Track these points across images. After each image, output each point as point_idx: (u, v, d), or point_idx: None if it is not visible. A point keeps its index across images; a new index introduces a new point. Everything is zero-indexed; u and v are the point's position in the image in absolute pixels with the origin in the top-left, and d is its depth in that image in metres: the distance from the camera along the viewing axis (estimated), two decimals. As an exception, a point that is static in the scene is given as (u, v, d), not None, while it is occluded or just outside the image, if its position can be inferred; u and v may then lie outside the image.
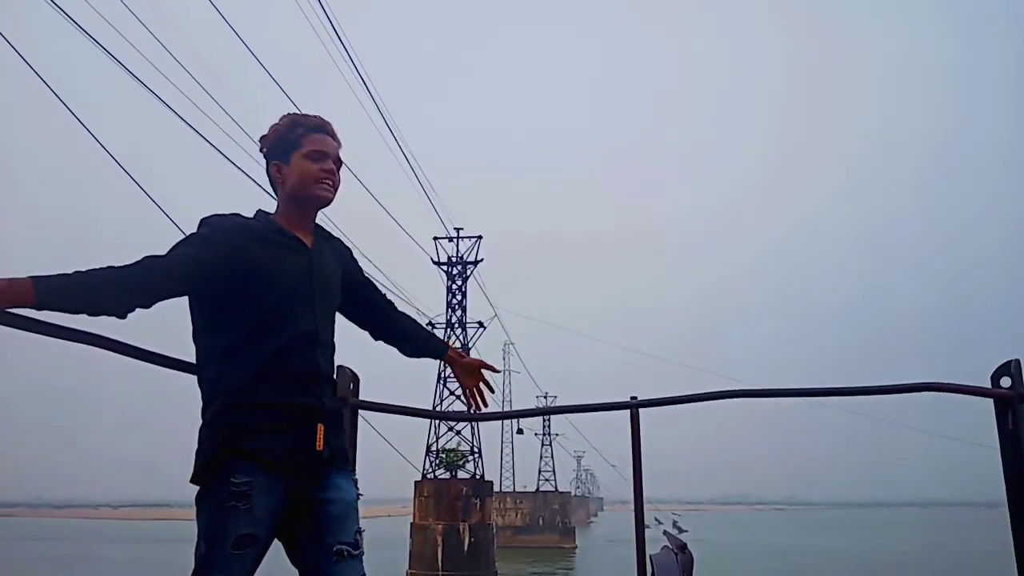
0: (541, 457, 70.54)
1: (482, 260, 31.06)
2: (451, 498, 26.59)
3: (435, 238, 30.81)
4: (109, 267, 1.61)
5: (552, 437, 71.36)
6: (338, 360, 2.07)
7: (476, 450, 29.59)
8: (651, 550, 2.41)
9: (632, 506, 2.48)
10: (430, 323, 30.82)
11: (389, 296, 2.27)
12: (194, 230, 1.85)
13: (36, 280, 1.46)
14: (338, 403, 1.99)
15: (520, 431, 67.72)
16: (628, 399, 2.52)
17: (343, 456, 1.92)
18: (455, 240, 30.92)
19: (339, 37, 13.54)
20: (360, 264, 2.18)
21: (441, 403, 30.14)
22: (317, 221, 2.01)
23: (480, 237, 31.03)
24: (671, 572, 2.25)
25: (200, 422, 1.81)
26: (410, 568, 26.49)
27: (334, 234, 2.10)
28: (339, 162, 1.99)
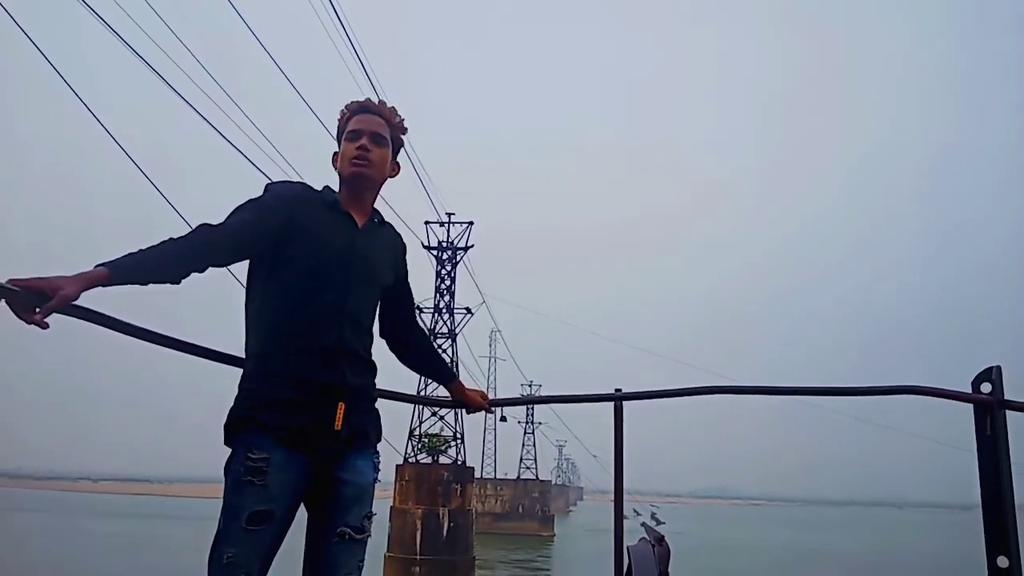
0: (523, 445, 70.86)
1: (473, 246, 31.00)
2: (432, 483, 26.65)
3: (426, 222, 30.70)
4: (168, 239, 1.72)
5: (535, 426, 71.65)
6: None
7: (459, 436, 29.66)
8: (629, 541, 2.43)
9: (612, 496, 2.49)
10: (418, 307, 30.62)
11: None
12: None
13: (107, 264, 1.61)
14: (368, 381, 1.98)
15: (503, 418, 67.80)
16: (612, 391, 2.53)
17: (364, 436, 1.93)
18: (446, 225, 30.84)
19: (335, 9, 13.40)
20: (406, 263, 2.20)
21: (425, 388, 30.17)
22: (376, 207, 2.07)
23: (471, 223, 30.96)
24: (648, 564, 2.27)
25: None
26: (388, 551, 26.56)
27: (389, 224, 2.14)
28: (377, 136, 2.03)
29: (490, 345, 57.93)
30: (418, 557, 25.76)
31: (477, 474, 35.21)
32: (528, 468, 68.88)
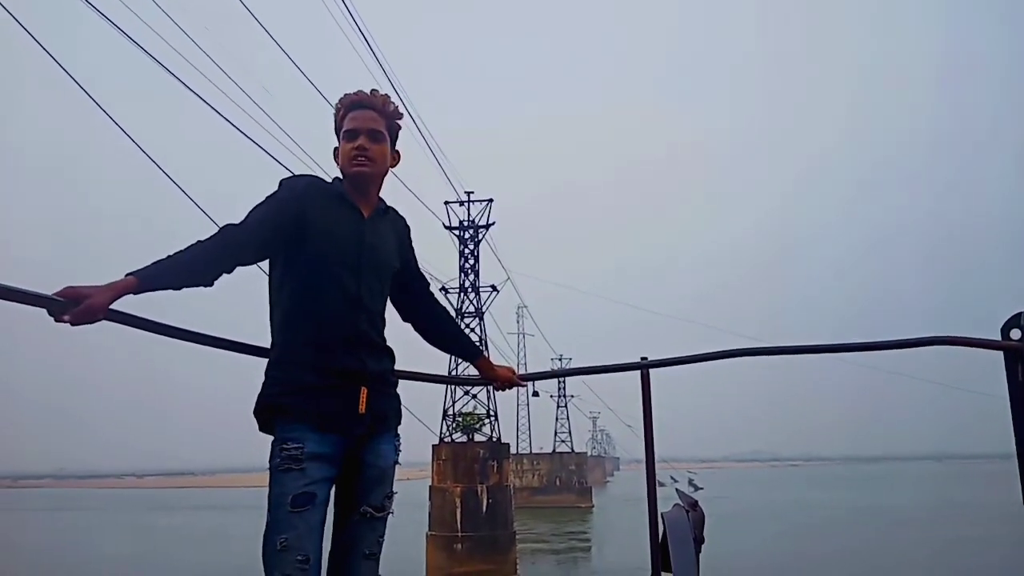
0: (557, 419, 71.17)
1: (494, 223, 30.97)
2: (468, 461, 26.92)
3: (446, 202, 30.70)
4: (196, 242, 1.81)
5: (567, 399, 71.89)
6: None
7: (492, 413, 29.86)
8: (666, 508, 2.45)
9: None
10: (443, 288, 30.88)
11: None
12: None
13: (136, 272, 1.70)
14: (386, 367, 2.06)
15: (536, 393, 68.15)
16: (639, 360, 2.54)
17: (384, 420, 2.01)
18: (466, 204, 30.80)
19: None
20: (412, 243, 2.24)
21: (456, 368, 30.35)
22: (381, 195, 2.13)
23: (491, 200, 30.89)
24: (683, 530, 2.30)
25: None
26: (430, 530, 26.94)
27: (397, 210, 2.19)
28: (373, 133, 2.05)
29: (518, 321, 58.11)
30: (459, 534, 26.10)
31: (512, 450, 35.44)
32: (563, 441, 69.28)
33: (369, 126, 2.05)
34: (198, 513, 63.63)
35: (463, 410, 29.85)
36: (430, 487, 27.55)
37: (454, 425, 29.44)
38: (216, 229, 1.87)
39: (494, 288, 31.71)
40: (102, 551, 35.29)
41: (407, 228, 2.22)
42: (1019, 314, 2.15)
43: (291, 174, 2.10)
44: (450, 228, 30.83)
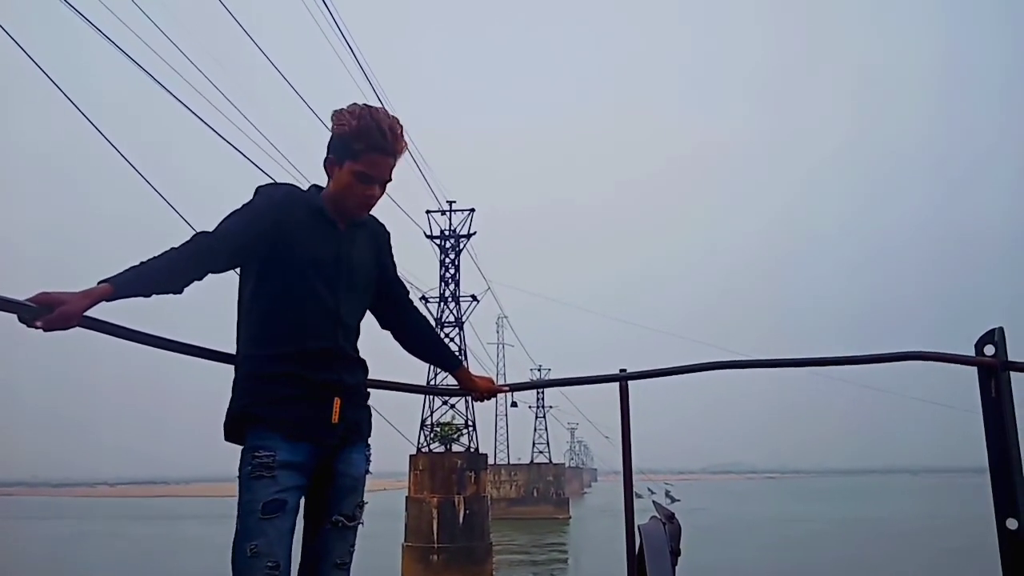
0: (535, 429, 71.10)
1: (475, 233, 31.00)
2: (446, 471, 26.79)
3: (428, 211, 30.67)
4: (169, 249, 1.80)
5: (546, 410, 71.86)
6: None
7: (470, 423, 29.78)
8: (644, 520, 2.45)
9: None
10: (423, 297, 30.79)
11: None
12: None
13: (110, 280, 1.70)
14: (360, 379, 2.07)
15: (514, 404, 67.94)
16: (618, 371, 2.55)
17: (358, 430, 2.03)
18: (448, 213, 30.81)
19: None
20: (392, 250, 2.22)
21: (435, 378, 30.25)
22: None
23: (473, 210, 30.92)
24: (659, 542, 2.29)
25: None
26: (406, 541, 26.75)
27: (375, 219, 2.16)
28: (386, 183, 2.05)
29: (497, 331, 58.08)
30: (435, 545, 25.94)
31: (490, 460, 35.37)
32: (541, 452, 69.21)
33: (386, 177, 2.04)
34: (174, 523, 62.79)
35: (441, 420, 29.74)
36: (407, 497, 27.37)
37: (432, 435, 29.30)
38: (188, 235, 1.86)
39: (474, 298, 31.70)
40: (88, 562, 34.71)
41: (387, 234, 2.21)
42: (993, 330, 2.17)
43: (271, 181, 2.09)
44: (431, 237, 30.80)
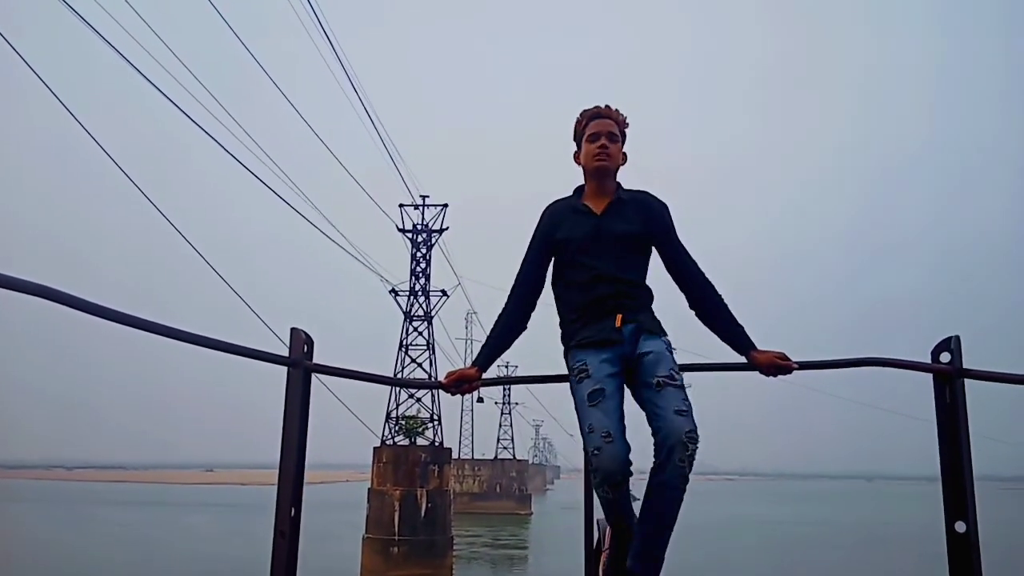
0: (500, 425, 71.15)
1: (447, 228, 30.88)
2: (409, 464, 26.72)
3: (400, 205, 30.49)
4: (498, 317, 2.63)
5: (512, 406, 71.95)
6: (295, 323, 2.16)
7: (436, 417, 29.70)
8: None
9: (586, 473, 2.53)
10: (393, 291, 30.67)
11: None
12: None
13: (478, 361, 2.60)
14: (637, 297, 2.53)
15: (480, 399, 67.84)
16: None
17: (645, 326, 2.47)
18: (421, 208, 30.66)
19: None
20: (669, 222, 2.62)
21: (403, 370, 30.12)
22: (620, 182, 2.63)
23: (446, 206, 30.81)
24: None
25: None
26: (367, 532, 26.64)
27: (634, 194, 2.63)
28: (611, 135, 2.59)
29: (466, 327, 57.83)
30: (396, 538, 25.87)
31: (455, 455, 35.31)
32: (505, 448, 69.28)
33: (608, 129, 2.58)
34: (143, 509, 61.80)
35: (406, 414, 29.63)
36: (369, 489, 27.25)
37: (397, 428, 29.18)
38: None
39: (444, 293, 31.59)
40: (59, 547, 33.99)
41: (658, 204, 2.62)
42: (949, 338, 2.22)
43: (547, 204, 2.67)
44: (403, 231, 30.64)
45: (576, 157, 2.65)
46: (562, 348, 2.58)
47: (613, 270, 2.51)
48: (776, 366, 2.42)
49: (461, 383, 2.51)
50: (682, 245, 2.61)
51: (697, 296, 2.58)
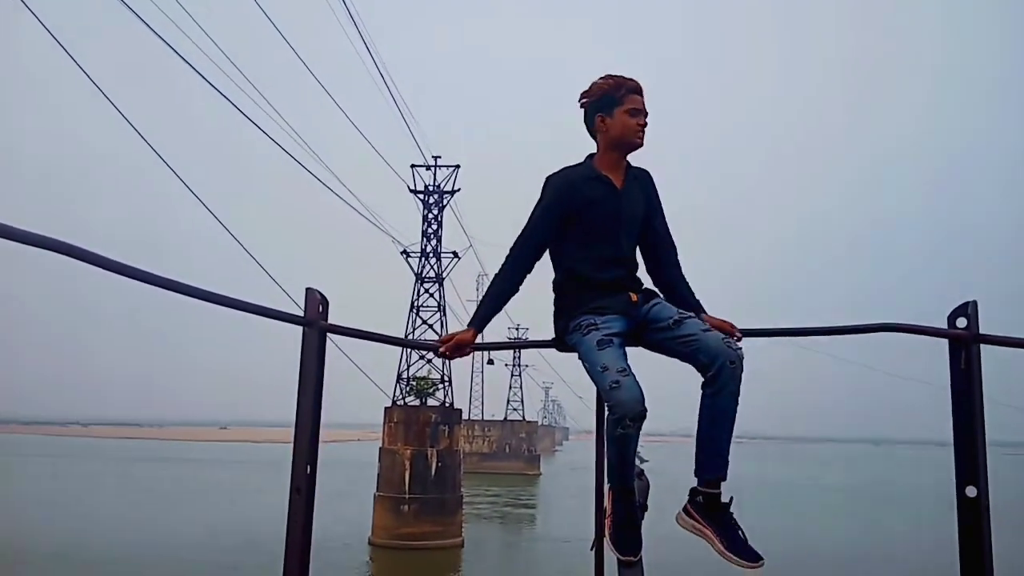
0: (510, 387, 71.72)
1: (459, 190, 30.80)
2: (420, 424, 27.05)
3: (413, 166, 30.39)
4: (495, 276, 2.51)
5: (522, 368, 72.44)
6: (310, 283, 2.15)
7: (446, 379, 29.97)
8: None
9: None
10: (404, 251, 30.67)
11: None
12: None
13: (473, 323, 2.46)
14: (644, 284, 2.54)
15: (491, 361, 68.52)
16: None
17: (655, 295, 2.50)
18: (433, 169, 30.54)
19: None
20: (656, 189, 2.61)
21: (413, 332, 30.29)
22: (629, 160, 2.54)
23: (458, 167, 30.68)
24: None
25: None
26: (378, 490, 27.09)
27: (634, 167, 2.57)
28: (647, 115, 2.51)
29: (477, 289, 57.77)
30: (407, 496, 26.31)
31: (464, 416, 35.70)
32: (515, 410, 69.94)
33: (646, 108, 2.48)
34: (165, 466, 62.95)
35: (417, 374, 29.89)
36: (380, 448, 27.63)
37: (407, 389, 29.47)
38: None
39: (455, 255, 31.61)
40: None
41: (649, 177, 2.58)
42: (966, 303, 2.19)
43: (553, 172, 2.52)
44: (415, 192, 30.55)
45: (596, 120, 2.48)
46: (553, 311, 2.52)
47: (627, 251, 2.51)
48: (724, 331, 2.46)
49: (457, 350, 2.42)
50: (666, 221, 2.60)
51: (664, 263, 2.58)
